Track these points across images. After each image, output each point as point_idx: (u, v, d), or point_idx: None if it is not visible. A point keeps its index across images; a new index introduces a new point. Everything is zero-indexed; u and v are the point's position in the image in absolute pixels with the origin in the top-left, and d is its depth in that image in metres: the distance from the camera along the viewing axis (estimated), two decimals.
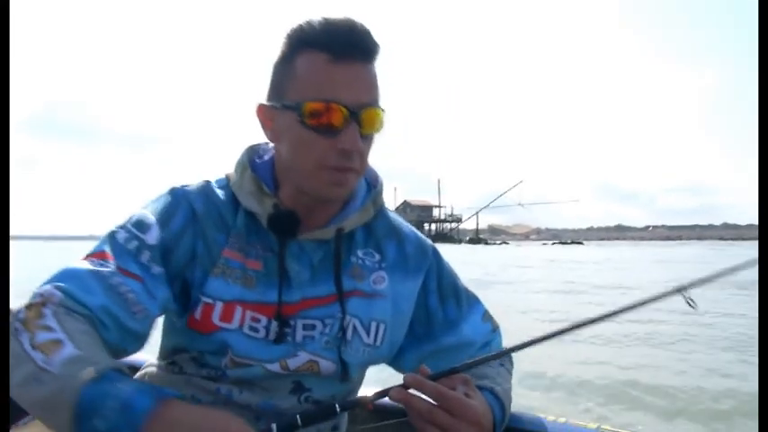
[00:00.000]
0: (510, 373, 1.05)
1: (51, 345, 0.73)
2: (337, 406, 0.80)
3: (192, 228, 0.94)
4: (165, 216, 0.94)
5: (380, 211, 1.05)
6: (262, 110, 0.95)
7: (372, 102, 0.90)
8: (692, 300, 0.83)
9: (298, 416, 0.78)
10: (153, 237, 0.91)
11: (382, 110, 0.91)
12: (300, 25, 0.90)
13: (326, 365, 0.97)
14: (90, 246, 0.91)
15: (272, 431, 0.76)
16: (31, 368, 0.72)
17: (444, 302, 1.07)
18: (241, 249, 0.95)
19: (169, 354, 1.01)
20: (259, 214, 0.95)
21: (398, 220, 1.10)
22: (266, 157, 1.02)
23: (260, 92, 0.98)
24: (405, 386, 0.79)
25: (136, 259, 0.89)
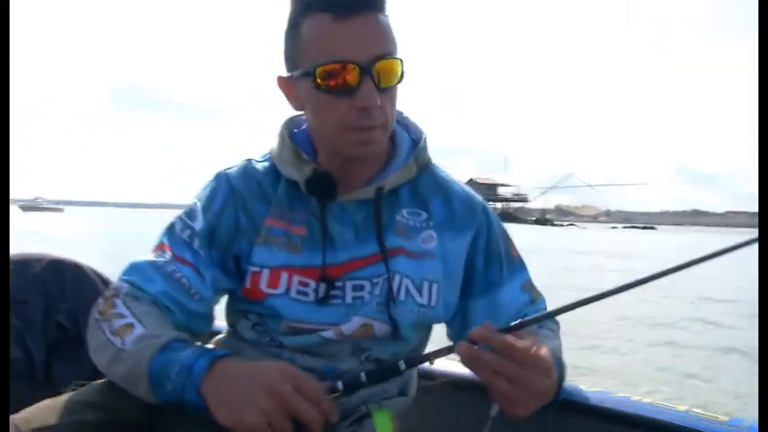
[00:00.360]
0: (558, 338, 1.02)
1: (125, 329, 0.86)
2: (402, 363, 0.81)
3: (232, 204, 0.98)
4: (209, 200, 1.00)
5: (426, 168, 1.03)
6: (281, 82, 0.97)
7: (386, 53, 0.88)
8: None
9: (363, 373, 0.80)
10: (199, 223, 0.97)
11: (399, 59, 0.90)
12: None
13: (380, 327, 0.97)
14: (160, 213, 1.07)
15: (339, 388, 0.78)
16: (112, 351, 0.86)
17: (489, 264, 1.05)
18: (283, 217, 0.97)
19: (233, 323, 1.05)
20: (298, 180, 0.96)
21: (447, 177, 1.07)
22: (304, 126, 1.04)
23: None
24: (470, 341, 0.77)
25: (189, 247, 0.96)
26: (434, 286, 0.99)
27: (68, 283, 1.51)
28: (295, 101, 0.97)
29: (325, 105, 0.90)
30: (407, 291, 0.98)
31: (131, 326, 0.86)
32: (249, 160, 1.04)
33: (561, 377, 0.89)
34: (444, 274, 1.01)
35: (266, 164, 1.02)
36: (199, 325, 0.96)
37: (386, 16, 0.90)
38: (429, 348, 1.06)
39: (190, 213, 0.99)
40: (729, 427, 0.90)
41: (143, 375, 0.81)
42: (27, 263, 1.50)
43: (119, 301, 0.90)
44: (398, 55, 0.91)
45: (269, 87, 1.00)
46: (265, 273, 0.96)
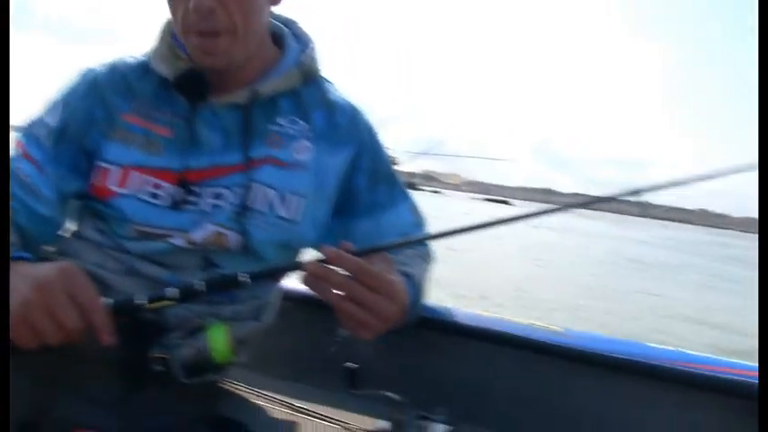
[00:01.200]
0: (428, 267, 1.01)
1: None
2: (245, 275, 0.72)
3: (92, 96, 0.93)
4: (68, 94, 0.94)
5: (314, 79, 0.99)
6: None
7: None
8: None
9: (204, 282, 0.72)
10: (56, 117, 0.92)
11: None
12: None
13: (234, 238, 0.90)
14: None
15: (166, 295, 0.71)
16: None
17: (375, 185, 1.01)
18: (145, 115, 0.92)
19: (78, 223, 0.97)
20: (168, 76, 0.91)
21: (336, 92, 1.02)
22: None
23: None
24: (323, 260, 0.71)
25: (39, 143, 0.91)
26: (301, 200, 0.94)
27: None
28: None
29: (170, 5, 0.87)
30: (269, 201, 0.92)
31: None
32: (122, 56, 0.98)
33: (416, 302, 0.89)
34: (315, 188, 0.95)
35: (137, 59, 0.96)
36: (43, 229, 0.90)
37: None
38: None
39: (47, 109, 0.94)
40: (565, 336, 1.02)
41: None
42: None
43: None
44: None
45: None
46: (115, 170, 0.90)
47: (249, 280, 0.73)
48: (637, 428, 0.96)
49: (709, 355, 0.95)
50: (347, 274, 0.71)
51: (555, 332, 1.04)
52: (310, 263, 0.71)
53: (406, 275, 0.87)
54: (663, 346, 1.00)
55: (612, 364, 0.96)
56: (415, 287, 0.89)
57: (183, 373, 0.79)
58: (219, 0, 0.82)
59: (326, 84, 1.02)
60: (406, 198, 1.05)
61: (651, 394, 0.95)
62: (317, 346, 1.15)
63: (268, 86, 0.93)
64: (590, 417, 0.99)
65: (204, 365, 0.80)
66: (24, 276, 0.69)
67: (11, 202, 0.85)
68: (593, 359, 0.97)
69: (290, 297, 1.12)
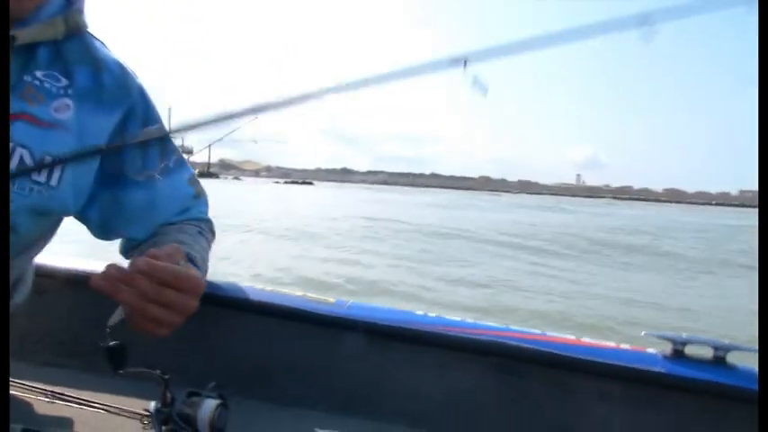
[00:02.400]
0: (209, 243, 0.98)
1: None
2: None
3: None
4: None
5: (79, 33, 0.91)
6: None
7: None
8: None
9: None
10: None
11: None
12: None
13: None
14: None
15: None
16: None
17: (145, 151, 0.94)
18: None
19: None
20: None
21: (104, 49, 0.95)
22: None
23: None
24: (137, 268, 0.68)
25: None
26: None
27: None
28: None
29: None
30: (21, 162, 0.83)
31: None
32: None
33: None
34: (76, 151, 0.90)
35: None
36: None
37: None
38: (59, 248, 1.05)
39: None
40: (335, 306, 1.05)
41: None
42: None
43: None
44: None
45: None
46: None
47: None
48: (405, 390, 1.01)
49: (464, 319, 1.02)
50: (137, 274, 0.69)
51: (328, 303, 1.07)
52: (112, 266, 0.69)
53: (192, 261, 0.85)
54: (426, 313, 1.04)
55: (381, 331, 1.01)
56: (202, 273, 0.87)
57: None
58: None
59: (93, 39, 0.95)
60: (184, 168, 1.00)
61: (416, 358, 1.01)
62: (78, 327, 1.13)
63: (27, 33, 0.85)
64: (364, 381, 1.03)
65: None
66: None
67: None
68: (365, 327, 1.01)
69: (45, 273, 1.10)
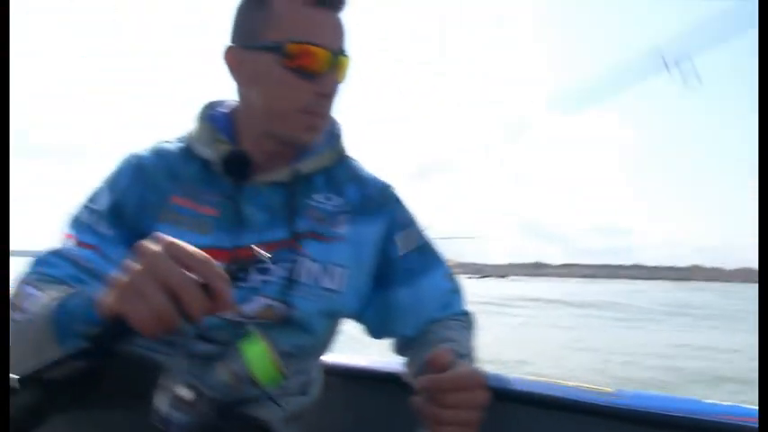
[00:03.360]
0: (473, 336, 1.03)
1: (32, 302, 0.79)
2: (267, 254, 0.70)
3: (141, 181, 0.97)
4: (114, 180, 0.98)
5: (342, 158, 1.06)
6: (231, 52, 0.96)
7: (345, 51, 0.94)
8: None
9: (224, 265, 0.66)
10: (104, 203, 0.96)
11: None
12: None
13: (283, 310, 0.94)
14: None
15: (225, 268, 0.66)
16: (21, 326, 0.77)
17: (408, 253, 1.04)
18: (192, 196, 0.96)
19: None
20: (212, 160, 0.96)
21: (362, 167, 1.09)
22: (223, 110, 1.04)
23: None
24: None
25: (92, 230, 0.93)
26: (343, 271, 0.99)
27: None
28: (242, 75, 0.96)
29: (285, 83, 0.91)
30: (313, 274, 0.96)
31: (38, 297, 0.79)
32: (161, 141, 1.04)
33: None
34: (354, 259, 1.00)
35: (178, 144, 1.02)
36: None
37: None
38: (339, 346, 1.09)
39: (93, 197, 0.98)
40: (616, 396, 0.98)
41: (48, 329, 0.72)
42: None
43: (27, 287, 0.83)
44: None
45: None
46: None
47: (268, 257, 0.71)
48: None
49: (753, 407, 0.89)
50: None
51: (605, 393, 1.01)
52: (428, 377, 0.75)
53: (461, 358, 0.89)
54: (715, 402, 0.97)
55: (665, 423, 0.93)
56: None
57: (216, 409, 0.70)
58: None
59: (353, 161, 1.08)
60: (441, 264, 1.07)
61: None
62: (364, 421, 1.19)
63: (307, 165, 0.99)
64: None
65: (244, 391, 0.74)
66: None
67: (73, 283, 0.86)
68: (648, 418, 0.94)
69: (332, 371, 1.15)
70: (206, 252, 0.71)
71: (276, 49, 0.89)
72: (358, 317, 1.05)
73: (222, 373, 0.69)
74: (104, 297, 0.65)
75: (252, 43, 0.92)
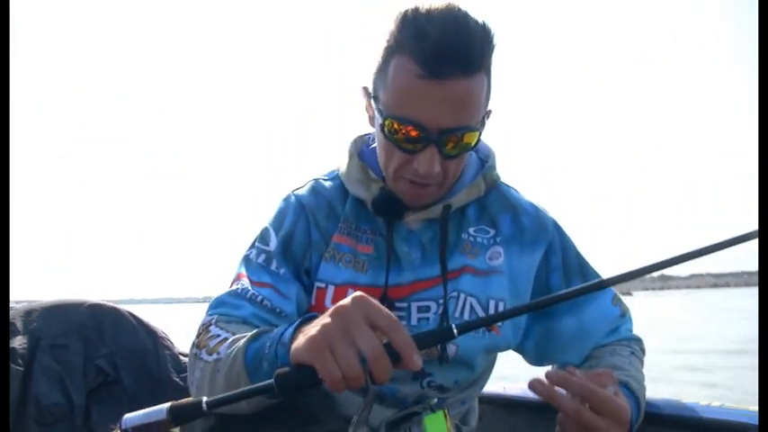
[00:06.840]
0: (642, 362, 1.02)
1: (221, 343, 0.84)
2: (454, 327, 0.67)
3: (304, 220, 1.01)
4: (279, 220, 1.03)
5: (494, 186, 1.04)
6: (365, 93, 0.97)
7: (460, 126, 0.87)
8: None
9: (409, 336, 0.65)
10: (273, 243, 1.01)
11: (474, 130, 0.89)
12: (398, 22, 0.87)
13: (445, 347, 0.95)
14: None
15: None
16: (211, 367, 0.83)
17: (569, 281, 1.04)
18: (351, 235, 1.00)
19: None
20: (365, 199, 0.98)
21: (516, 193, 1.07)
22: (373, 145, 1.03)
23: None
24: (549, 380, 0.76)
25: (266, 269, 0.98)
26: (501, 305, 0.98)
27: (108, 328, 1.50)
28: (369, 117, 0.98)
29: (386, 148, 0.91)
30: (472, 309, 0.97)
31: (225, 339, 0.84)
32: (316, 179, 1.07)
33: (638, 418, 0.91)
34: (511, 291, 1.00)
35: (334, 182, 1.05)
36: None
37: (483, 76, 0.87)
38: (493, 378, 1.10)
39: (262, 238, 1.03)
40: None
41: (241, 369, 0.76)
42: (66, 307, 1.50)
43: (212, 327, 0.89)
44: (480, 119, 0.90)
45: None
46: (331, 289, 0.98)
47: (456, 331, 0.67)
48: None
49: None
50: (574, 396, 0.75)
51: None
52: (538, 382, 0.77)
53: (626, 385, 0.90)
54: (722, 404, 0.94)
55: None
56: (636, 399, 0.90)
57: None
58: (443, 166, 0.90)
59: (506, 188, 1.07)
60: (608, 289, 1.04)
61: None
62: None
63: (458, 199, 0.99)
64: None
65: None
66: (322, 317, 0.69)
67: (255, 322, 0.92)
68: None
69: (488, 400, 1.18)
70: (365, 290, 0.73)
71: (380, 112, 0.90)
72: (516, 348, 1.05)
73: None
74: (297, 345, 0.68)
75: (373, 95, 0.93)
